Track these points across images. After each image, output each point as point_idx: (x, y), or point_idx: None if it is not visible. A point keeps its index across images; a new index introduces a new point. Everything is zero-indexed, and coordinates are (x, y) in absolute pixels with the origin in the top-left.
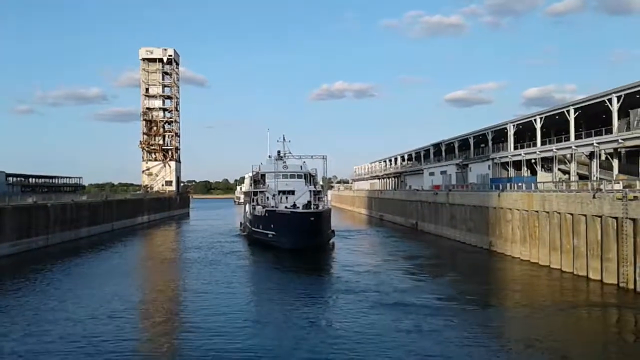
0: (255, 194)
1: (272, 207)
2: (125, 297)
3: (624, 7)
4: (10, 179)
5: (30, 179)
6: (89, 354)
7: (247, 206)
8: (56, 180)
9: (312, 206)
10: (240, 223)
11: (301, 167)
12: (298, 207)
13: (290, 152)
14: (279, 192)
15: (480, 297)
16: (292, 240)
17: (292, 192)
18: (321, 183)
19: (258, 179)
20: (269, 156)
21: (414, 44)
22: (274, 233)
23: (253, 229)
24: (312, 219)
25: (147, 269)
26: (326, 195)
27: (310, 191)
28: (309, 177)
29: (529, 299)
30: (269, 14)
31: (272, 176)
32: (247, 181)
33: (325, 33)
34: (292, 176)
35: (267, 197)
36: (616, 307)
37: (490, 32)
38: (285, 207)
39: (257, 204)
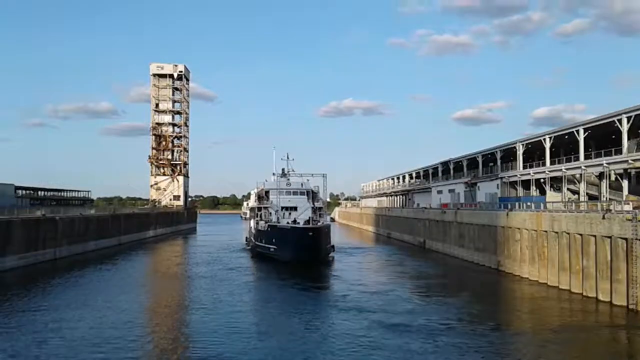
0: (259, 209)
1: (274, 222)
2: (131, 310)
3: (633, 28)
4: (20, 191)
5: (39, 192)
6: None
7: (252, 221)
8: (65, 193)
9: (312, 222)
10: (246, 238)
11: (302, 184)
12: (298, 223)
13: (293, 170)
14: (282, 208)
15: (489, 319)
16: (292, 254)
17: (295, 209)
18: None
19: (262, 196)
20: (273, 174)
21: (423, 63)
22: (275, 247)
23: (256, 242)
24: (311, 233)
25: (154, 283)
26: (326, 211)
27: (311, 207)
28: (311, 194)
29: (538, 321)
30: (279, 32)
31: (276, 193)
32: (252, 197)
33: (334, 51)
34: (294, 193)
35: (270, 213)
36: (626, 329)
37: (499, 51)
38: (287, 223)
39: (261, 219)
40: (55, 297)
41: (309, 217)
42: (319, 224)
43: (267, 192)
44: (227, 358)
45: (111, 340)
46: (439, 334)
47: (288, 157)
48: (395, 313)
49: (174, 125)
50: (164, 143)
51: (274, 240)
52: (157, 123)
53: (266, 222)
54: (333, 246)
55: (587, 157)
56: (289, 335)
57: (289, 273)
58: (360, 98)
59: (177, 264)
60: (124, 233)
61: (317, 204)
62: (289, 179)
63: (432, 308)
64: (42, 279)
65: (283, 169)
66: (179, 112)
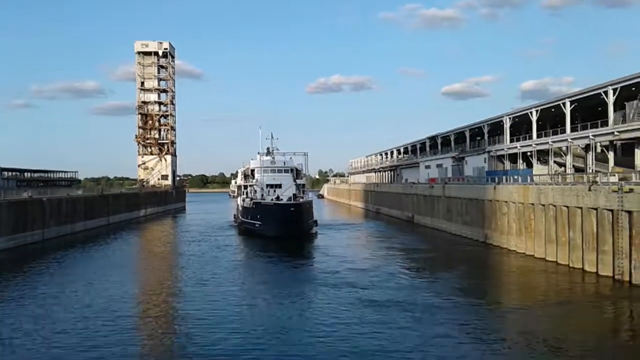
0: (245, 187)
1: (259, 199)
2: (121, 290)
3: None
4: (6, 173)
5: (25, 174)
6: (85, 347)
7: (239, 199)
8: (52, 174)
9: (295, 198)
10: (234, 215)
11: (285, 162)
12: (282, 200)
13: (277, 149)
14: (267, 185)
15: (476, 292)
16: (275, 229)
17: (280, 186)
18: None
19: (248, 174)
20: (258, 153)
21: (411, 37)
22: (260, 223)
23: (243, 219)
24: (293, 209)
25: (143, 262)
26: (308, 188)
27: (295, 185)
28: (295, 172)
29: (526, 292)
30: (266, 7)
31: (261, 171)
32: (239, 176)
33: (322, 26)
34: (279, 171)
35: (256, 191)
36: (612, 299)
37: (486, 24)
38: (271, 200)
39: (247, 197)
40: (45, 278)
41: (294, 194)
42: (301, 200)
43: (252, 171)
44: (216, 334)
45: (102, 320)
46: (427, 309)
47: (272, 137)
48: (382, 288)
49: (160, 103)
50: (150, 122)
51: (258, 217)
52: (143, 102)
53: (251, 200)
54: (316, 221)
55: (573, 129)
56: (274, 312)
57: (276, 250)
58: (349, 74)
59: (166, 243)
60: (113, 213)
61: (300, 181)
62: (273, 158)
63: (420, 283)
64: (31, 260)
65: (268, 148)
66: (165, 91)
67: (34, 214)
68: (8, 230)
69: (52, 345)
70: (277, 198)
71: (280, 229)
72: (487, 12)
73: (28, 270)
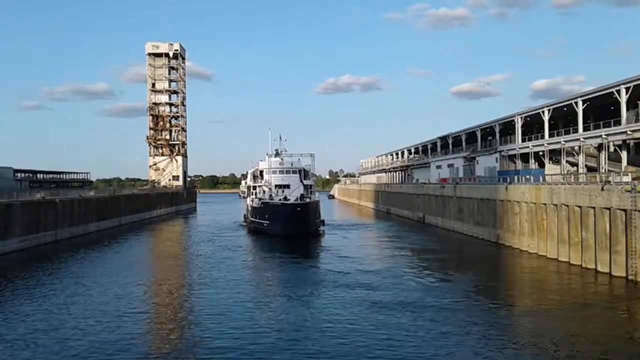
0: (254, 188)
1: (267, 199)
2: (135, 290)
3: None
4: (19, 174)
5: (38, 175)
6: (98, 348)
7: (248, 199)
8: (64, 175)
9: (302, 199)
10: (244, 215)
11: (292, 163)
12: (289, 199)
13: (285, 150)
14: (276, 186)
15: (489, 293)
16: (282, 228)
17: (288, 186)
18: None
19: (257, 175)
20: (267, 154)
21: (421, 37)
22: (267, 222)
23: (252, 219)
24: (299, 209)
25: (155, 262)
26: (315, 188)
27: (303, 185)
28: (302, 173)
29: (539, 293)
30: (275, 9)
31: (270, 172)
32: (249, 176)
33: (331, 27)
34: (287, 172)
35: (265, 191)
36: (626, 300)
37: (496, 24)
38: (279, 200)
39: (256, 197)
40: (57, 279)
41: (301, 194)
42: (307, 200)
43: (261, 172)
44: (228, 334)
45: (113, 321)
46: (439, 311)
47: (281, 138)
48: (394, 290)
49: (171, 105)
50: (161, 123)
51: (266, 216)
52: (154, 103)
53: (260, 200)
54: (323, 220)
55: (585, 128)
56: (286, 312)
57: (286, 250)
58: (359, 74)
59: (178, 244)
60: (125, 214)
61: (307, 182)
62: (282, 159)
63: (432, 284)
64: (44, 261)
65: (276, 150)
66: (175, 92)
67: (47, 215)
68: (21, 232)
69: (63, 345)
70: (285, 198)
71: (287, 228)
72: (497, 12)
73: (40, 272)
